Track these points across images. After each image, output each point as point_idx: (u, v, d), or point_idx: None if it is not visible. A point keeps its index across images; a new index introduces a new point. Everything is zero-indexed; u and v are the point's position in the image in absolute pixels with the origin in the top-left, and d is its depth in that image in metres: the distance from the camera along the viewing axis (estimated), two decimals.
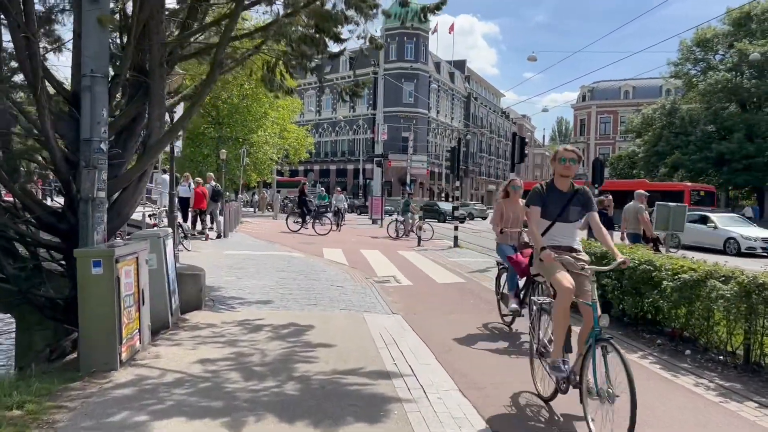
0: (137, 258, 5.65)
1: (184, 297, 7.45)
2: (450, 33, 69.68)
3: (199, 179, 18.04)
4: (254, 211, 36.84)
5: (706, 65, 41.77)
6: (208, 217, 18.76)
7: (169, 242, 7.10)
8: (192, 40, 7.77)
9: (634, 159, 46.69)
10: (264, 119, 37.56)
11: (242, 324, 6.99)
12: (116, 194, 6.56)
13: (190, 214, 18.59)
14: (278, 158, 41.68)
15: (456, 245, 17.91)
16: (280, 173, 51.73)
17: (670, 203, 13.09)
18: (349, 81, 9.66)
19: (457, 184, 18.44)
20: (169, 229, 8.13)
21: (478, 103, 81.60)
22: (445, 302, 9.08)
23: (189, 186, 18.96)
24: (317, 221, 21.22)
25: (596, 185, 25.26)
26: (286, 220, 23.00)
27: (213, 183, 18.99)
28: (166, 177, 18.26)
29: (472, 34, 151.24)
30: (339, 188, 31.63)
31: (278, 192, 34.04)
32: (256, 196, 42.10)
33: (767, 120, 37.14)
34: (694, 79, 43.66)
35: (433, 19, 63.60)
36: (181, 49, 7.68)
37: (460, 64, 77.11)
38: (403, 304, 8.74)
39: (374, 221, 30.43)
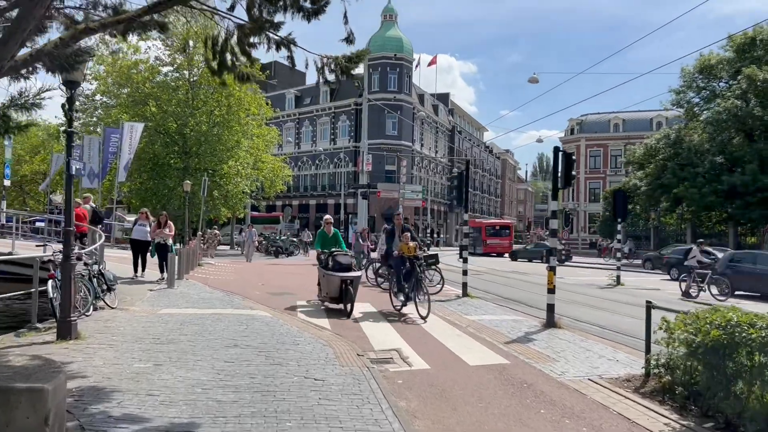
0: None
1: None
2: (430, 66, 67.19)
3: (78, 200, 14.24)
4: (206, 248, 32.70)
5: (711, 93, 39.34)
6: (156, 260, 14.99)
7: None
8: None
9: (633, 192, 43.74)
10: (236, 149, 33.96)
11: None
12: None
13: (152, 259, 15.11)
14: (252, 191, 37.95)
15: (465, 294, 14.25)
16: (255, 208, 47.91)
17: None
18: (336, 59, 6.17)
19: (466, 216, 14.85)
20: None
21: (462, 137, 79.03)
22: (499, 417, 5.39)
23: (148, 225, 15.26)
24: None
25: (619, 219, 22.16)
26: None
27: (92, 204, 15.40)
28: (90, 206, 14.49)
29: (451, 73, 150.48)
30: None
31: (251, 228, 30.12)
32: (220, 232, 37.85)
33: None
34: (696, 108, 41.22)
35: (416, 55, 61.36)
36: None
37: (443, 97, 74.75)
38: (431, 425, 5.05)
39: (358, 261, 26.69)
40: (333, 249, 11.53)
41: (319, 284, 11.92)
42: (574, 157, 10.20)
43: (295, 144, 64.27)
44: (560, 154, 9.65)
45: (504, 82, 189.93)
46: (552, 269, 9.84)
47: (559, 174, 9.65)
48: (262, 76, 35.19)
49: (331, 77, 6.31)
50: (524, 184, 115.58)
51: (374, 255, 17.90)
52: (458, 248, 32.26)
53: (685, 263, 17.76)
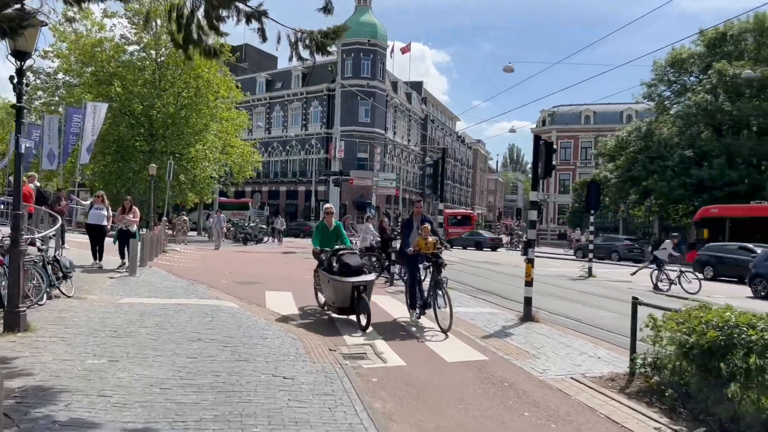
0: None
1: None
2: (404, 54, 66.60)
3: (24, 178, 13.50)
4: (172, 234, 31.81)
5: (681, 87, 39.78)
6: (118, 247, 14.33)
7: None
8: None
9: (603, 184, 44.11)
10: (204, 132, 33.03)
11: None
12: None
13: (113, 245, 14.36)
14: (220, 176, 37.08)
15: None
16: (223, 194, 47.00)
17: None
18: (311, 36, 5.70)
19: (441, 206, 14.52)
20: None
21: (434, 126, 78.81)
22: (481, 420, 5.06)
23: (106, 209, 14.42)
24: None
25: (592, 210, 22.13)
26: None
27: (36, 183, 14.70)
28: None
29: (424, 62, 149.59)
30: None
31: (219, 214, 29.37)
32: (186, 218, 36.95)
33: (748, 146, 35.03)
34: (667, 102, 41.68)
35: (389, 42, 60.64)
36: None
37: (417, 86, 74.22)
38: (409, 429, 4.70)
39: None
40: (337, 246, 9.36)
41: (317, 289, 10.03)
42: (555, 146, 9.91)
43: (265, 129, 63.24)
44: (541, 143, 9.36)
45: (477, 72, 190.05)
46: (530, 262, 9.57)
47: (540, 164, 9.35)
48: (231, 58, 34.34)
49: (305, 54, 5.85)
50: (495, 175, 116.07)
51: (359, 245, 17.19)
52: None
53: (656, 254, 17.77)
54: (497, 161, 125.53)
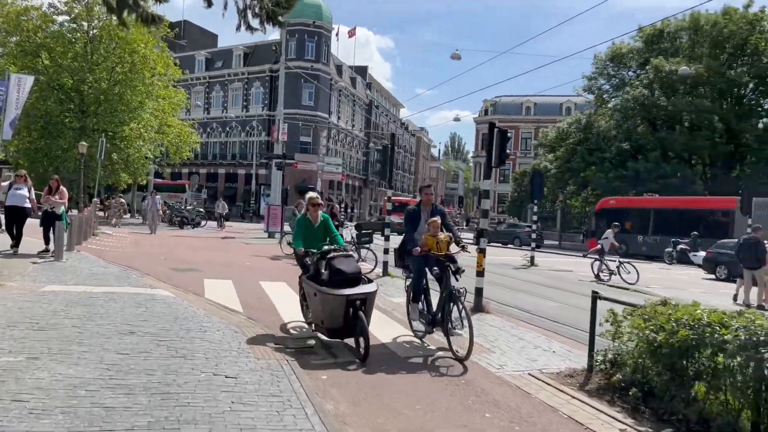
0: None
1: None
2: (350, 38, 65.80)
3: None
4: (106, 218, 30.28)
5: (620, 81, 40.87)
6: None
7: None
8: None
9: (544, 175, 45.00)
10: (139, 110, 31.49)
11: None
12: None
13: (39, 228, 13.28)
14: (155, 156, 35.57)
15: (386, 273, 13.67)
16: (159, 175, 45.26)
17: None
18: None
19: (390, 192, 14.22)
20: None
21: (379, 112, 78.44)
22: (441, 422, 4.75)
23: (28, 190, 13.26)
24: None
25: (535, 200, 22.31)
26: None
27: None
28: None
29: (368, 47, 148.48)
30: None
31: (154, 196, 28.08)
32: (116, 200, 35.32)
33: (681, 141, 36.33)
34: (606, 95, 42.73)
35: (334, 25, 59.62)
36: None
37: (361, 70, 73.51)
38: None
39: (271, 235, 25.59)
40: (326, 247, 7.22)
41: (303, 302, 7.77)
42: (510, 134, 9.71)
43: (204, 109, 61.23)
44: (495, 131, 9.13)
45: (421, 60, 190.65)
46: (482, 251, 9.37)
47: (494, 152, 9.12)
48: (170, 33, 32.87)
49: (255, 23, 5.35)
50: (437, 163, 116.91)
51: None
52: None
53: (598, 243, 18.04)
54: (439, 149, 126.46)
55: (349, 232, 15.24)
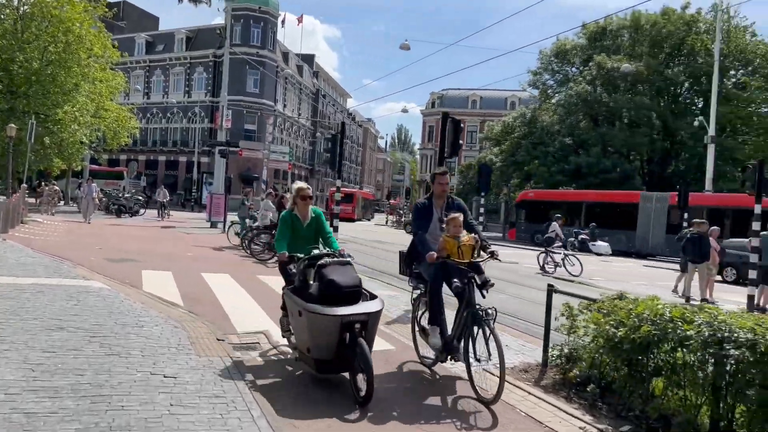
0: None
1: None
2: (298, 25, 64.80)
3: None
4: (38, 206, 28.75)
5: (564, 77, 41.69)
6: None
7: None
8: None
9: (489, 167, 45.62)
10: (74, 92, 29.92)
11: None
12: None
13: None
14: (91, 141, 33.97)
15: None
16: (95, 161, 43.36)
17: None
18: None
19: (339, 182, 13.92)
20: None
21: (326, 101, 77.66)
22: (397, 425, 4.51)
23: None
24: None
25: (483, 193, 22.36)
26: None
27: None
28: None
29: (314, 36, 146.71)
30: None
31: (90, 182, 26.75)
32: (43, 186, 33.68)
33: (621, 137, 37.37)
34: (550, 90, 43.52)
35: (280, 12, 58.43)
36: None
37: (308, 59, 72.54)
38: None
39: (213, 224, 24.85)
40: (316, 251, 5.62)
41: (284, 318, 6.04)
42: (463, 125, 9.55)
43: (144, 94, 59.13)
44: (449, 121, 8.95)
45: (368, 50, 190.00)
46: None
47: (447, 142, 8.94)
48: (108, 13, 31.39)
49: None
50: (383, 154, 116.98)
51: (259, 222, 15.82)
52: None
53: (544, 237, 18.25)
54: (386, 141, 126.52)
55: None
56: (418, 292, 6.05)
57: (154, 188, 39.92)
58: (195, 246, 16.98)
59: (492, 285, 5.56)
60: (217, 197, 25.26)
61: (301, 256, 5.53)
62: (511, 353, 6.56)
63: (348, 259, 5.49)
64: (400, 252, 6.50)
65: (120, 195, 32.61)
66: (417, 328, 6.08)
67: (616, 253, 27.37)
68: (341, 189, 14.94)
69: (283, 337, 6.21)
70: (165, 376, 4.90)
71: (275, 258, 13.78)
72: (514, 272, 16.69)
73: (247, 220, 17.31)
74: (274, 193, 17.55)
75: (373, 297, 5.35)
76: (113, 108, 34.43)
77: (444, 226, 5.62)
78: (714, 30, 32.71)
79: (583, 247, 27.70)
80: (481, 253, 5.56)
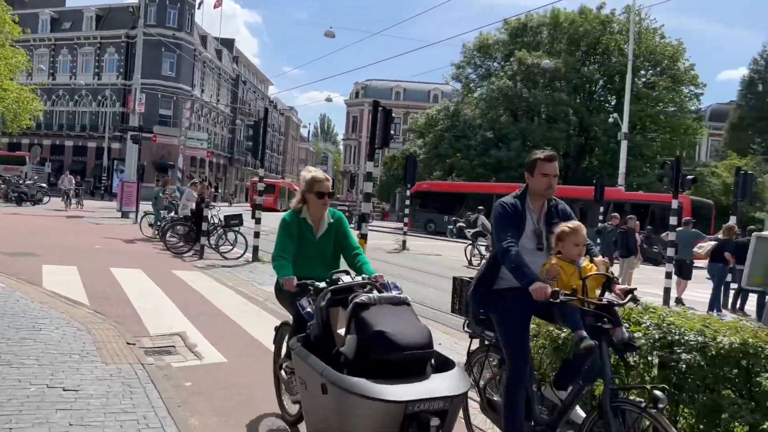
0: None
1: None
2: (216, 8, 62.46)
3: None
4: None
5: (486, 71, 42.39)
6: None
7: None
8: None
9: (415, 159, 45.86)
10: None
11: None
12: None
13: None
14: None
15: (256, 259, 12.78)
16: None
17: None
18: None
19: (261, 172, 13.33)
20: None
21: (246, 88, 75.56)
22: None
23: None
24: None
25: (409, 185, 22.30)
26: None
27: None
28: None
29: (234, 21, 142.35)
30: None
31: None
32: None
33: (539, 131, 38.42)
34: (472, 84, 44.15)
35: None
36: None
37: (228, 43, 70.24)
38: None
39: (125, 214, 23.46)
40: (344, 277, 3.63)
41: (285, 383, 4.11)
42: (394, 115, 9.24)
43: (49, 74, 55.25)
44: (380, 110, 8.62)
45: (290, 37, 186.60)
46: (363, 237, 8.86)
47: (378, 132, 8.61)
48: None
49: None
50: (306, 144, 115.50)
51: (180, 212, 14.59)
52: (248, 206, 30.52)
53: (472, 232, 18.31)
54: (309, 130, 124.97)
55: (215, 214, 14.07)
56: (498, 361, 3.97)
57: (60, 175, 37.35)
58: (104, 238, 15.84)
59: (637, 348, 3.52)
60: (128, 185, 23.83)
61: (321, 285, 3.47)
62: (445, 352, 6.31)
63: (403, 296, 3.33)
64: (454, 279, 4.81)
65: (21, 182, 30.25)
66: (483, 401, 4.04)
67: None
68: (264, 179, 14.29)
69: (279, 398, 4.34)
70: (64, 390, 4.29)
71: (192, 251, 13.19)
72: (440, 266, 16.67)
73: (162, 211, 16.35)
74: (200, 182, 16.54)
75: (445, 362, 3.11)
76: (13, 88, 32.01)
77: (546, 242, 3.56)
78: (626, 31, 34.17)
79: (461, 235, 29.11)
80: (615, 290, 3.27)
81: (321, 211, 4.05)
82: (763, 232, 8.05)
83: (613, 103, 41.22)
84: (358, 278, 3.60)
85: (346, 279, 3.54)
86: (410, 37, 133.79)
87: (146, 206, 19.06)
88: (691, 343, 3.43)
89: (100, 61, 55.31)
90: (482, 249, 17.59)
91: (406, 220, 23.54)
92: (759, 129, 43.26)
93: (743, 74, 52.25)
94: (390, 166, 49.86)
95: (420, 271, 14.51)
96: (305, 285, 3.52)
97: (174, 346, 5.96)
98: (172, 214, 15.36)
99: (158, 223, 15.79)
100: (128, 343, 5.74)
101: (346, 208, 41.99)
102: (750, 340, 3.20)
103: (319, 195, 3.97)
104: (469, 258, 17.63)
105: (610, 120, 33.59)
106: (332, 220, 4.10)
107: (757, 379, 3.03)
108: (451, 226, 28.97)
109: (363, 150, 68.06)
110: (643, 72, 40.08)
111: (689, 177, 11.63)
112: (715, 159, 44.92)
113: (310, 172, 4.12)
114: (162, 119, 51.06)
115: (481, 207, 20.02)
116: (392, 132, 44.55)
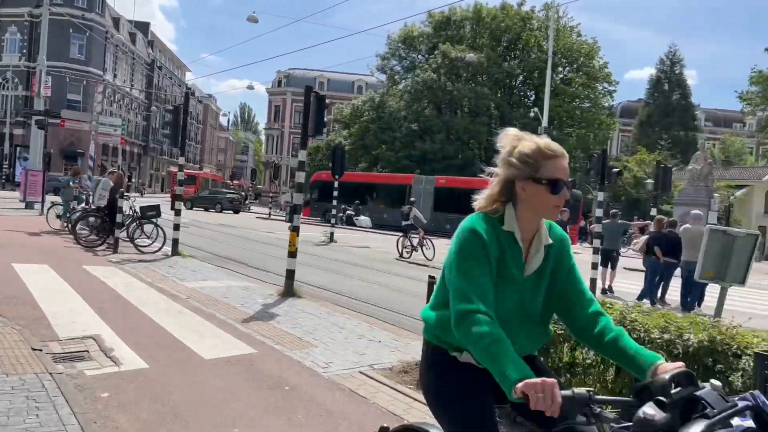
0: None
1: None
2: None
3: None
4: None
5: (411, 63, 42.47)
6: None
7: None
8: None
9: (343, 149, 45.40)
10: None
11: None
12: None
13: None
14: None
15: (176, 252, 12.06)
16: None
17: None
18: None
19: (182, 160, 12.59)
20: None
21: (162, 74, 72.43)
22: None
23: None
24: None
25: (336, 176, 21.86)
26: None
27: None
28: None
29: (149, 4, 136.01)
30: None
31: None
32: None
33: (462, 124, 38.90)
34: (397, 76, 44.15)
35: None
36: None
37: (143, 26, 67.09)
38: None
39: (29, 205, 21.77)
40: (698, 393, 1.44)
41: None
42: (325, 104, 8.84)
43: None
44: (313, 96, 8.19)
45: (208, 23, 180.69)
46: (295, 230, 8.43)
47: (310, 120, 8.18)
48: None
49: None
50: (226, 133, 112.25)
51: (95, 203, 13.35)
52: (168, 197, 29.13)
53: (403, 223, 18.13)
54: (229, 119, 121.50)
55: (131, 205, 13.17)
56: None
57: None
58: (5, 230, 14.53)
59: None
60: (33, 174, 22.11)
61: (602, 402, 1.54)
62: (386, 350, 6.04)
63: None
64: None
65: None
66: None
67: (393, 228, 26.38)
68: (183, 169, 13.52)
69: None
70: None
71: (106, 244, 12.26)
72: (370, 258, 16.44)
73: (72, 202, 15.18)
74: (119, 172, 15.30)
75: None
76: None
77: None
78: (545, 28, 35.06)
79: (349, 221, 31.59)
80: None
81: (535, 221, 1.97)
82: (715, 225, 8.11)
83: (532, 98, 42.32)
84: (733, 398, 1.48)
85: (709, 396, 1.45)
86: (333, 24, 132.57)
87: (53, 197, 17.69)
88: (657, 341, 3.30)
89: (1, 41, 51.36)
90: (414, 241, 17.50)
91: (333, 212, 23.16)
92: (665, 126, 45.74)
93: (650, 73, 55.06)
94: (314, 157, 49.18)
95: (351, 264, 14.21)
96: (576, 398, 1.48)
97: (87, 351, 5.35)
98: (83, 205, 14.27)
99: (67, 215, 14.65)
100: (34, 349, 5.10)
101: (237, 197, 41.66)
102: (717, 336, 3.09)
103: (554, 185, 1.87)
104: (400, 250, 17.46)
105: (531, 114, 34.42)
106: (550, 241, 2.00)
107: (728, 377, 2.92)
108: (341, 214, 30.37)
109: (286, 140, 66.87)
110: (560, 68, 41.34)
111: (615, 170, 11.87)
112: (625, 154, 47.11)
113: (530, 137, 1.96)
114: (71, 104, 47.97)
115: (412, 199, 19.99)
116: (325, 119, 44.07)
